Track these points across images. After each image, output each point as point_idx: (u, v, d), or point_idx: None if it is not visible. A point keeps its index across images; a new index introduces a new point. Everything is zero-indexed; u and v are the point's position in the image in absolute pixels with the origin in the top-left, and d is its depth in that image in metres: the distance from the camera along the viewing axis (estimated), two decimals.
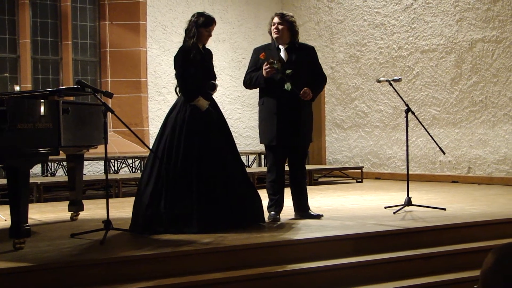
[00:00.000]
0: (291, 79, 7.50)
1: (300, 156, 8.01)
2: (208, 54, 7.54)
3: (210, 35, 7.42)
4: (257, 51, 7.94)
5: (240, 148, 7.67)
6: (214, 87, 7.40)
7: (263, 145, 8.09)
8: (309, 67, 7.88)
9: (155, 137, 7.48)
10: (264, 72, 7.59)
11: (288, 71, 7.53)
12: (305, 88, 7.59)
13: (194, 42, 7.24)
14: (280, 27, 7.81)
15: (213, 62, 7.67)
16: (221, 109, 7.60)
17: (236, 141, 7.76)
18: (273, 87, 7.65)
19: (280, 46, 7.87)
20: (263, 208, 7.48)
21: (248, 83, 7.94)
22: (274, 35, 7.85)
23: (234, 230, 6.83)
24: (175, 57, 7.36)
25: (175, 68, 7.36)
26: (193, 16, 7.37)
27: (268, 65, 7.51)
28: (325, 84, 8.16)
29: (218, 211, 6.98)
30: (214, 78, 7.53)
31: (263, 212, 7.46)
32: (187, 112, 7.17)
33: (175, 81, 7.39)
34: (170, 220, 6.89)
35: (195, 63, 7.20)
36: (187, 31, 7.34)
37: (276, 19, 7.86)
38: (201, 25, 7.28)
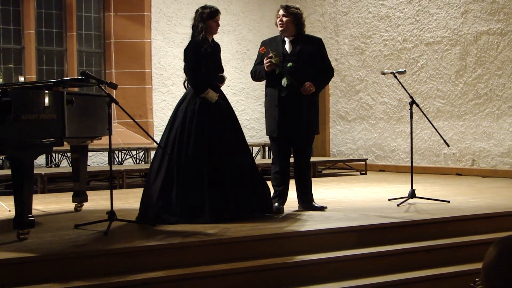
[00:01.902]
0: (291, 73, 7.52)
1: (304, 148, 8.01)
2: (217, 47, 7.59)
3: (219, 25, 7.49)
4: (263, 44, 7.98)
5: None
6: (222, 80, 7.50)
7: (268, 136, 8.13)
8: (315, 59, 7.87)
9: (162, 128, 7.52)
10: (264, 66, 7.62)
11: (289, 65, 7.56)
12: (306, 83, 7.60)
13: (203, 36, 7.29)
14: (284, 19, 7.81)
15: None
16: None
17: None
18: (275, 80, 7.67)
19: (286, 39, 7.88)
20: (271, 200, 7.52)
21: (254, 76, 8.01)
22: (279, 28, 7.86)
23: (240, 221, 6.85)
24: (185, 50, 7.42)
25: (185, 61, 7.42)
26: (196, 12, 7.42)
27: (268, 59, 7.55)
28: (332, 76, 8.14)
29: (229, 202, 7.06)
30: (222, 71, 7.60)
31: (271, 203, 7.51)
32: (196, 104, 7.24)
33: (180, 73, 7.44)
34: (182, 211, 6.95)
35: (205, 57, 7.26)
36: (194, 27, 7.39)
37: (281, 12, 7.87)
38: (207, 18, 7.33)
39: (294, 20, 7.83)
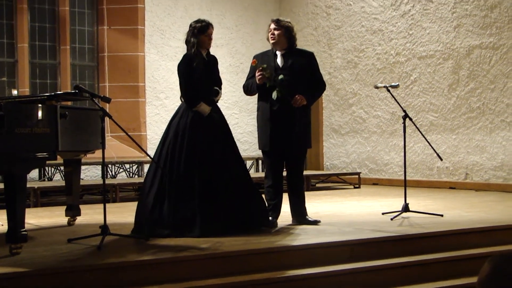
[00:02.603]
0: (283, 85, 7.53)
1: (297, 162, 8.00)
2: (213, 61, 7.61)
3: (211, 39, 7.50)
4: (255, 58, 7.97)
5: None
6: (217, 93, 7.47)
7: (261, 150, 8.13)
8: (307, 73, 7.87)
9: (156, 142, 7.54)
10: (256, 79, 7.63)
11: (280, 77, 7.57)
12: (297, 96, 7.60)
13: (195, 50, 7.31)
14: (276, 32, 7.81)
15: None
16: None
17: None
18: (267, 93, 7.68)
19: (277, 52, 7.88)
20: (267, 212, 7.52)
21: (246, 89, 8.00)
22: (271, 41, 7.86)
23: (234, 235, 6.84)
24: (178, 64, 7.48)
25: (178, 76, 7.45)
26: (189, 26, 7.45)
27: (259, 72, 7.56)
28: (324, 90, 8.16)
29: (221, 215, 7.04)
30: (220, 83, 7.64)
31: (267, 216, 7.50)
32: (189, 118, 7.27)
33: (173, 86, 7.49)
34: (173, 224, 6.96)
35: (198, 71, 7.28)
36: (187, 42, 7.43)
37: (272, 25, 7.88)
38: (198, 32, 7.37)
39: (285, 33, 7.84)
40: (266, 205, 7.60)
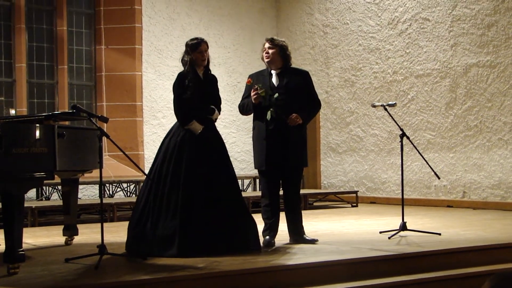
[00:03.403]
0: (278, 105, 7.54)
1: (293, 181, 7.99)
2: (210, 79, 7.58)
3: (204, 56, 7.42)
4: (251, 78, 7.98)
5: (235, 172, 7.65)
6: (212, 112, 7.43)
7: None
8: (302, 92, 7.86)
9: (152, 160, 7.55)
10: (252, 99, 7.64)
11: (275, 95, 7.57)
12: (292, 115, 7.61)
13: (188, 68, 7.32)
14: (270, 51, 7.82)
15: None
16: None
17: None
18: (263, 112, 7.68)
19: (272, 71, 7.89)
20: (258, 235, 7.45)
21: (242, 109, 8.00)
22: (266, 60, 7.87)
23: (229, 255, 6.80)
24: (173, 83, 7.45)
25: (173, 94, 7.47)
26: (185, 45, 7.46)
27: (255, 91, 7.56)
28: (319, 109, 8.16)
29: (203, 236, 6.96)
30: (219, 102, 7.61)
31: (257, 238, 7.41)
32: (179, 137, 7.28)
33: (171, 105, 7.48)
34: (153, 241, 6.96)
35: (190, 89, 7.26)
36: (182, 60, 7.44)
37: (267, 44, 7.89)
38: (191, 50, 7.37)
39: (280, 51, 7.84)
40: (257, 227, 7.50)
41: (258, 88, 7.56)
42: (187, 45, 7.42)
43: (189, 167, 7.12)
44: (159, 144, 7.55)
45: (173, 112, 7.52)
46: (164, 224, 6.98)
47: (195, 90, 7.30)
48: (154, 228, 6.99)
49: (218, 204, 7.16)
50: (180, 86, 7.33)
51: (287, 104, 7.63)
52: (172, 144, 7.26)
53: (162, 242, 6.92)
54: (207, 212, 7.06)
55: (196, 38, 7.47)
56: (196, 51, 7.37)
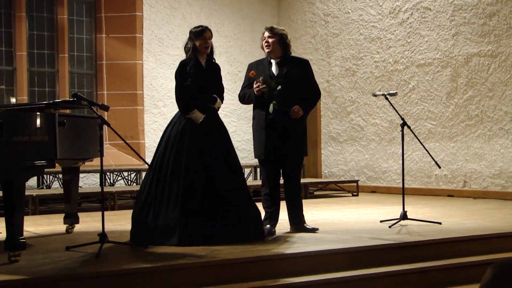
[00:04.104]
0: (280, 97, 7.51)
1: (293, 170, 7.98)
2: (213, 68, 7.52)
3: (207, 44, 7.37)
4: (250, 67, 7.98)
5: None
6: (214, 101, 7.40)
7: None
8: (302, 81, 7.85)
9: (154, 149, 7.53)
10: (254, 91, 7.63)
11: (278, 88, 7.53)
12: (295, 107, 7.60)
13: (191, 55, 7.28)
14: (270, 40, 7.80)
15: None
16: None
17: None
18: (263, 102, 7.67)
19: (272, 61, 7.87)
20: (261, 224, 7.46)
21: (242, 99, 8.00)
22: (266, 50, 7.85)
23: (230, 244, 6.79)
24: (175, 71, 7.42)
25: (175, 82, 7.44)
26: (189, 33, 7.43)
27: (258, 84, 7.53)
28: (319, 98, 8.12)
29: (205, 225, 6.94)
30: (221, 91, 7.57)
31: (261, 228, 7.42)
32: (180, 126, 7.22)
33: (171, 94, 7.43)
34: (154, 231, 6.94)
35: (192, 77, 7.22)
36: (184, 48, 7.40)
37: (266, 33, 7.87)
38: (194, 37, 7.32)
39: (280, 40, 7.81)
40: (261, 217, 7.51)
41: (260, 84, 7.53)
42: (191, 32, 7.38)
43: (190, 157, 7.08)
44: (160, 133, 7.53)
45: (174, 101, 7.50)
46: (166, 214, 6.96)
47: (196, 78, 7.27)
48: (156, 218, 6.97)
49: (219, 194, 7.13)
50: (181, 74, 7.29)
51: (287, 94, 7.62)
52: (173, 133, 7.21)
53: (164, 232, 6.90)
54: (208, 202, 7.03)
55: (201, 26, 7.44)
56: (199, 37, 7.32)
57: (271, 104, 7.54)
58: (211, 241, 6.84)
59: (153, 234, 6.93)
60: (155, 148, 7.53)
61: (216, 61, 7.60)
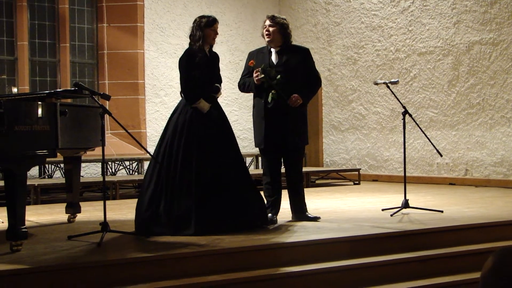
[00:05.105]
0: (280, 86, 7.50)
1: (294, 159, 7.99)
2: (214, 58, 7.54)
3: (217, 33, 7.45)
4: (250, 56, 7.98)
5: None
6: (217, 90, 7.41)
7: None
8: (302, 69, 7.84)
9: (156, 139, 7.52)
10: (254, 80, 7.62)
11: (277, 77, 7.53)
12: (293, 95, 7.59)
13: (200, 45, 7.26)
14: (271, 29, 7.79)
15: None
16: None
17: None
18: (263, 91, 7.67)
19: (272, 49, 7.86)
20: (265, 210, 7.49)
21: (242, 88, 8.00)
22: (266, 38, 7.84)
23: (232, 233, 6.80)
24: (180, 59, 7.40)
25: (179, 70, 7.39)
26: (194, 21, 7.41)
27: (257, 73, 7.53)
28: (319, 86, 8.11)
29: (217, 214, 6.96)
30: (220, 81, 7.57)
31: (266, 214, 7.45)
32: (187, 114, 7.20)
33: (173, 83, 7.45)
34: (168, 222, 6.90)
35: (200, 67, 7.22)
36: (191, 36, 7.36)
37: (267, 22, 7.86)
38: (205, 26, 7.31)
39: (280, 29, 7.81)
40: (265, 203, 7.57)
41: (261, 71, 7.53)
42: (200, 21, 7.34)
43: (200, 146, 7.09)
44: (161, 122, 7.54)
45: (175, 90, 7.52)
46: (179, 203, 6.94)
47: (204, 69, 7.28)
48: (169, 209, 6.93)
49: (230, 182, 7.17)
50: (189, 64, 7.27)
51: (287, 82, 7.61)
52: (181, 121, 7.17)
53: (178, 222, 6.88)
54: (220, 190, 7.05)
55: (210, 16, 7.45)
56: (210, 27, 7.34)
57: (270, 94, 7.54)
58: (224, 229, 6.87)
59: (167, 225, 6.89)
60: (156, 138, 7.53)
61: (217, 50, 7.61)
